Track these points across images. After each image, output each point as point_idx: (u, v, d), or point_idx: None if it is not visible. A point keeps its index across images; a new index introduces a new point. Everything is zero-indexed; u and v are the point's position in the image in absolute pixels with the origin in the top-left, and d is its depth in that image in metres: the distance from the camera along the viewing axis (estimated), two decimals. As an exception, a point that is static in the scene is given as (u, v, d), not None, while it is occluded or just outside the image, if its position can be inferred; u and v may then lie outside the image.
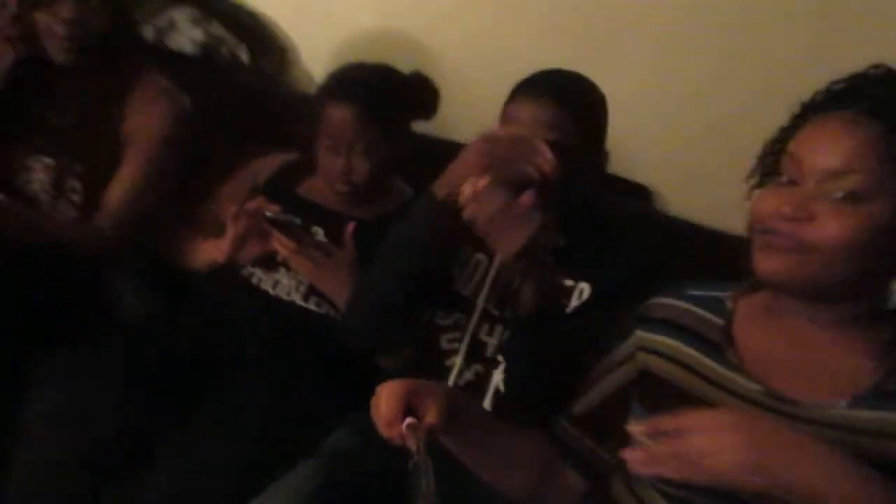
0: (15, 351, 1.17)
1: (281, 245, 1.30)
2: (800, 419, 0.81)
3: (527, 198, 1.03)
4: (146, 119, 1.44)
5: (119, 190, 1.41)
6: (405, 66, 1.55)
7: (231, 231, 1.33)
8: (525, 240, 1.02)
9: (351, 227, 1.33)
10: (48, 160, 1.43)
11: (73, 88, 1.43)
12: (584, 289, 1.15)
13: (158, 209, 1.43)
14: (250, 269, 1.37)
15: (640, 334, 0.95)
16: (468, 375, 1.19)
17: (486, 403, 1.16)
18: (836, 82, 0.83)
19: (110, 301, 1.39)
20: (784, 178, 0.83)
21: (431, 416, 0.83)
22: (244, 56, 1.81)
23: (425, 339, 1.21)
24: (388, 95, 1.40)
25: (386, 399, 0.83)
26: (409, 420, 0.82)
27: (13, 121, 1.41)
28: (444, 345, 1.20)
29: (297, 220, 1.32)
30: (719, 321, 0.90)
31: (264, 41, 1.85)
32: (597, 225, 1.18)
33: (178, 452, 1.11)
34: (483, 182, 1.03)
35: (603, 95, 1.19)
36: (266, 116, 1.70)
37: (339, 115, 1.36)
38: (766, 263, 0.82)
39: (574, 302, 1.15)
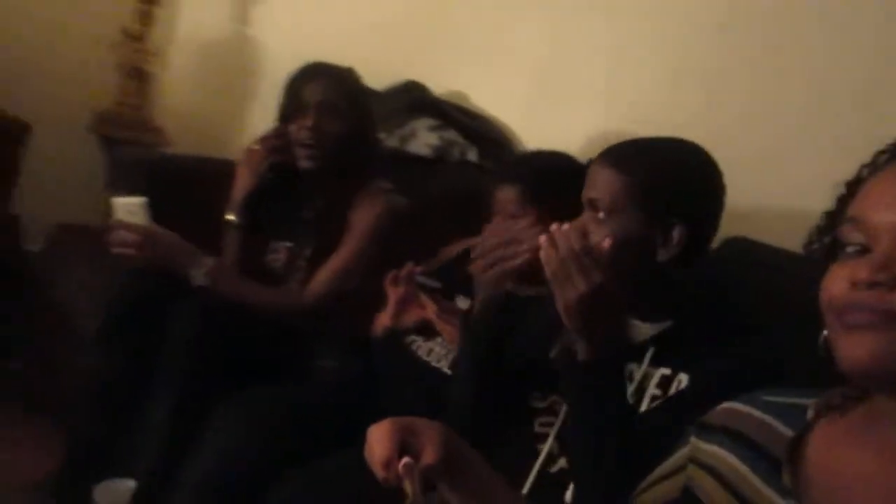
0: (211, 386, 1.46)
1: (428, 308, 1.42)
2: None
3: (606, 242, 1.03)
4: (363, 215, 1.70)
5: (326, 272, 1.67)
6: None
7: (391, 297, 1.50)
8: (587, 287, 1.01)
9: None
10: (288, 244, 1.76)
11: (313, 188, 1.76)
12: (683, 380, 1.07)
13: (360, 290, 1.66)
14: (414, 337, 1.52)
15: (695, 443, 0.83)
16: (562, 463, 1.15)
17: (568, 495, 1.11)
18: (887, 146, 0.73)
19: (311, 360, 1.65)
20: (851, 249, 0.71)
21: (428, 456, 0.80)
22: (473, 156, 2.04)
23: (520, 420, 1.21)
24: (552, 178, 1.47)
25: (379, 439, 0.81)
26: (405, 460, 0.79)
27: (267, 213, 1.78)
28: (537, 428, 1.20)
29: (438, 285, 1.44)
30: (790, 433, 0.76)
31: (493, 142, 2.05)
32: (707, 311, 1.11)
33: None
34: (565, 225, 1.06)
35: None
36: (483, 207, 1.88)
37: (502, 194, 1.47)
38: (850, 349, 0.67)
39: (670, 393, 1.07)
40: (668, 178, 1.11)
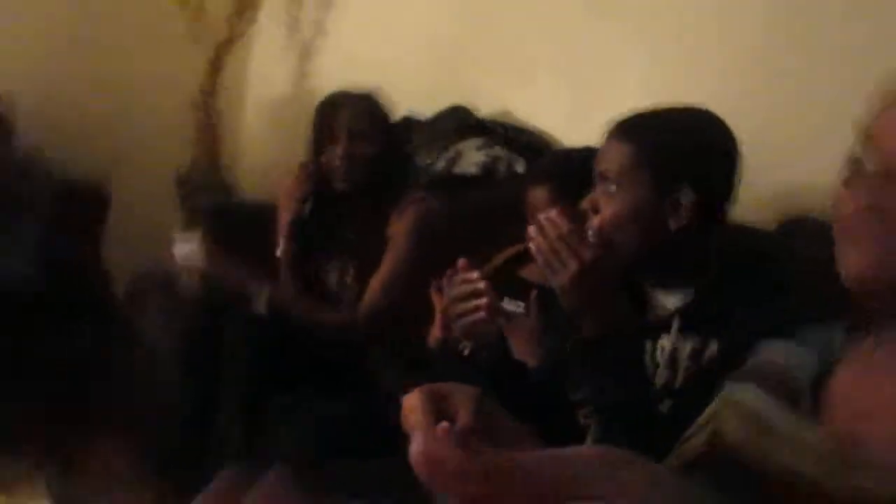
0: (271, 400, 1.53)
1: None
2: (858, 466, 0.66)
3: (596, 222, 1.05)
4: (399, 225, 1.79)
5: (375, 285, 1.75)
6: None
7: (437, 306, 1.53)
8: (578, 266, 1.01)
9: (533, 294, 1.42)
10: (337, 262, 1.86)
11: (352, 209, 1.85)
12: (713, 348, 1.06)
13: (410, 297, 1.71)
14: (465, 343, 1.53)
15: (728, 388, 0.82)
16: None
17: None
18: None
19: (371, 372, 1.69)
20: (861, 163, 0.72)
21: (464, 418, 0.79)
22: (520, 168, 2.07)
23: (564, 413, 1.20)
24: (582, 174, 1.48)
25: (413, 406, 0.80)
26: (443, 424, 0.76)
27: (313, 237, 1.88)
28: (582, 420, 1.19)
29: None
30: (818, 366, 0.77)
31: (539, 152, 2.07)
32: (734, 276, 1.09)
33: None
34: (551, 212, 1.07)
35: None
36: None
37: (532, 194, 1.50)
38: (851, 258, 0.69)
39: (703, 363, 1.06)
40: (673, 143, 1.12)
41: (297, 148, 2.83)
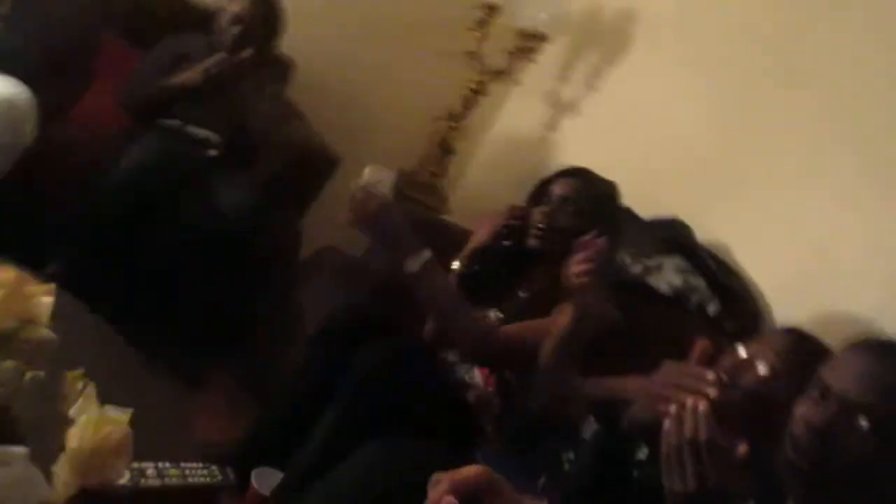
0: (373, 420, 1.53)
1: None
2: None
3: (743, 448, 0.92)
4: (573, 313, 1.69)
5: (513, 327, 1.70)
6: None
7: None
8: (696, 489, 0.91)
9: None
10: (496, 311, 1.82)
11: (535, 270, 1.84)
12: None
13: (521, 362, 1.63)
14: None
15: None
16: None
17: None
18: None
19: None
20: None
21: None
22: (712, 309, 1.93)
23: None
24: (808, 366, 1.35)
25: (451, 483, 0.80)
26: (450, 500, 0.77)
27: (486, 277, 1.87)
28: None
29: None
30: None
31: (741, 304, 1.93)
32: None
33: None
34: (700, 405, 0.95)
35: None
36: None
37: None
38: None
39: None
40: None
41: (511, 194, 2.90)
